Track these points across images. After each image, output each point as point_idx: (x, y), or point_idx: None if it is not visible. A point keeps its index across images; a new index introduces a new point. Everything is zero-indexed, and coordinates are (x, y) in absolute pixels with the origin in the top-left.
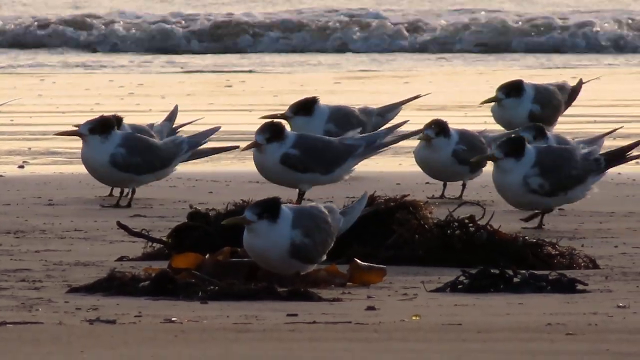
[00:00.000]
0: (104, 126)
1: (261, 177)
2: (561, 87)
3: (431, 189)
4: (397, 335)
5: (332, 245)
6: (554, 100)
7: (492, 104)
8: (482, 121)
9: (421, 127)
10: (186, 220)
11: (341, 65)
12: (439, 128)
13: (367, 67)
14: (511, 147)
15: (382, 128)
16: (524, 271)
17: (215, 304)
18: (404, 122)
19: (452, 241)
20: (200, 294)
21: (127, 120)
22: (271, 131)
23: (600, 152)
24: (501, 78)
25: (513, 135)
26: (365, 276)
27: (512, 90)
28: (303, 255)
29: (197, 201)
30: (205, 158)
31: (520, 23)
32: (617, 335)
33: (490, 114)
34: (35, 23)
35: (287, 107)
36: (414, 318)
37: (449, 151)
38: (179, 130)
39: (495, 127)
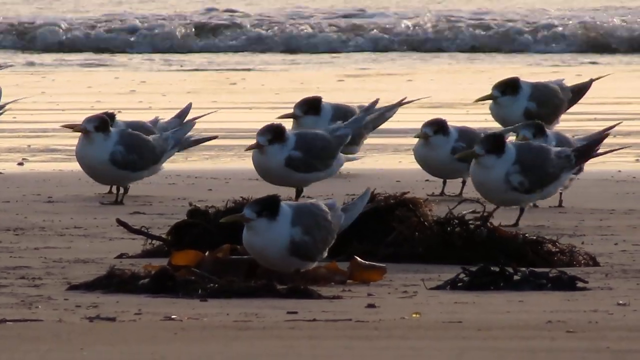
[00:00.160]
0: (105, 123)
1: None
2: (560, 85)
3: (431, 187)
4: (397, 333)
5: (332, 242)
6: (553, 99)
7: (490, 101)
8: (483, 119)
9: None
10: (186, 218)
11: (343, 63)
12: (436, 126)
13: (369, 66)
14: (492, 144)
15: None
16: (524, 269)
17: (215, 301)
18: (376, 101)
19: (452, 238)
20: (200, 291)
21: (129, 118)
22: (273, 133)
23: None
24: (505, 76)
25: (494, 132)
26: (366, 274)
27: (508, 87)
28: (303, 253)
29: (196, 198)
30: (205, 155)
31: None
32: (617, 333)
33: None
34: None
35: (290, 105)
36: (414, 316)
37: (448, 149)
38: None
39: (495, 125)
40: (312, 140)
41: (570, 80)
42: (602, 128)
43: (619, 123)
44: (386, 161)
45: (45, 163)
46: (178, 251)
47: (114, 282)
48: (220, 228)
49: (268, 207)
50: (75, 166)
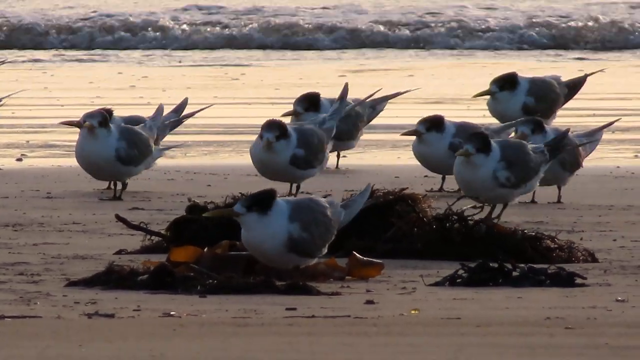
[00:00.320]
0: (107, 119)
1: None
2: (557, 80)
3: (430, 182)
4: (396, 329)
5: (332, 238)
6: (550, 93)
7: (488, 97)
8: (483, 114)
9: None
10: (184, 213)
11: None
12: (430, 123)
13: (371, 62)
14: (482, 143)
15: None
16: (522, 265)
17: (214, 297)
18: (345, 89)
19: (451, 235)
20: (198, 287)
21: (129, 113)
22: (280, 129)
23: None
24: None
25: (480, 130)
26: (364, 270)
27: (506, 83)
28: (301, 249)
29: (195, 194)
30: (204, 151)
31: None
32: (616, 329)
33: None
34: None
35: (290, 101)
36: (412, 312)
37: (444, 145)
38: (183, 121)
39: (493, 120)
40: (311, 137)
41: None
42: (601, 124)
43: (618, 119)
44: (385, 157)
45: (44, 159)
46: (177, 247)
47: (113, 278)
48: (220, 224)
49: (258, 202)
50: (74, 162)
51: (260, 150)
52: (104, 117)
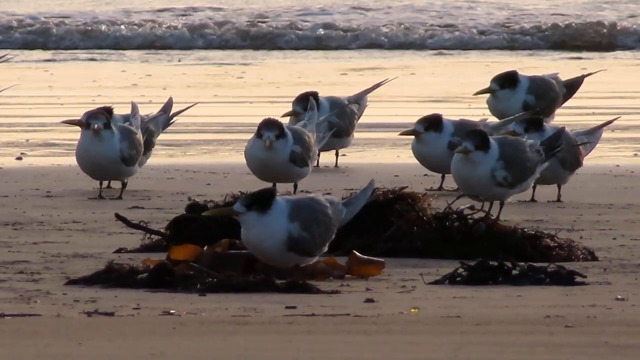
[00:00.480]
0: (109, 120)
1: None
2: (556, 79)
3: (429, 181)
4: (395, 328)
5: (332, 237)
6: (550, 92)
7: (488, 95)
8: (483, 112)
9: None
10: (184, 212)
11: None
12: (428, 123)
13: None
14: (481, 140)
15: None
16: (522, 263)
17: (214, 296)
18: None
19: (450, 233)
20: (198, 286)
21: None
22: (278, 128)
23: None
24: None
25: (479, 128)
26: (364, 268)
27: (506, 81)
28: (301, 248)
29: (195, 193)
30: (204, 149)
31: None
32: (615, 328)
33: None
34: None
35: (290, 100)
36: (412, 310)
37: (443, 144)
38: (173, 120)
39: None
40: (302, 134)
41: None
42: (600, 123)
43: (618, 117)
44: (384, 156)
45: (44, 157)
46: (177, 246)
47: (113, 276)
48: (219, 222)
49: (258, 201)
50: (74, 160)
51: (259, 150)
52: (107, 118)
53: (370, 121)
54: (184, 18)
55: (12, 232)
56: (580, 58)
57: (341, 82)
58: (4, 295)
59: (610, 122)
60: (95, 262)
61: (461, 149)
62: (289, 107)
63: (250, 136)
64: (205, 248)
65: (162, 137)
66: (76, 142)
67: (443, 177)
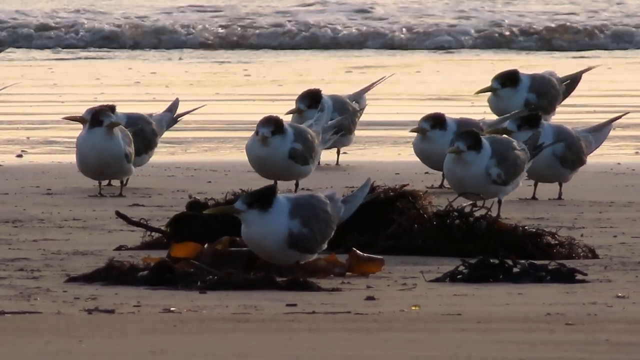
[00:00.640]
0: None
1: None
2: (554, 76)
3: (430, 179)
4: (396, 326)
5: (332, 234)
6: (551, 90)
7: (489, 94)
8: (484, 110)
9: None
10: (185, 210)
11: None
12: (433, 121)
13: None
14: (473, 140)
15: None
16: (523, 261)
17: (214, 293)
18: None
19: (451, 231)
20: (199, 283)
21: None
22: (275, 124)
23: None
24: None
25: (471, 128)
26: (365, 266)
27: (508, 80)
28: (302, 246)
29: (196, 190)
30: (205, 147)
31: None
32: (616, 326)
33: None
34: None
35: (292, 97)
36: (413, 308)
37: (446, 142)
38: (179, 119)
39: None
40: (305, 132)
41: None
42: (601, 121)
43: (626, 113)
44: (385, 153)
45: (44, 155)
46: (177, 243)
47: (113, 274)
48: (220, 220)
49: (259, 199)
50: (74, 158)
51: (257, 146)
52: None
53: (372, 119)
54: (186, 16)
55: (12, 229)
56: (583, 57)
57: (344, 81)
58: (4, 292)
59: (618, 117)
60: (96, 259)
61: (454, 149)
62: (291, 105)
63: (251, 134)
64: (205, 246)
65: (162, 134)
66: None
67: (444, 175)
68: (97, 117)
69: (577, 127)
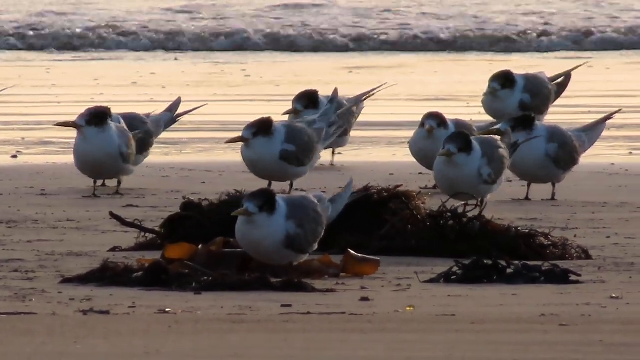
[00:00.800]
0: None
1: None
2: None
3: (424, 179)
4: (390, 326)
5: (322, 234)
6: (544, 90)
7: (482, 95)
8: (479, 111)
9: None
10: (179, 211)
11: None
12: (439, 120)
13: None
14: (463, 142)
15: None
16: (517, 262)
17: (209, 294)
18: (335, 92)
19: (445, 232)
20: (193, 284)
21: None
22: (257, 126)
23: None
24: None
25: (461, 130)
26: (359, 267)
27: (506, 80)
28: (297, 246)
29: (190, 191)
30: (199, 148)
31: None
32: (610, 326)
33: None
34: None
35: (289, 98)
36: (407, 309)
37: None
38: (178, 119)
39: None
40: (300, 133)
41: None
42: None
43: (619, 110)
44: (380, 154)
45: (39, 156)
46: (172, 244)
47: (108, 275)
48: (214, 221)
49: (268, 202)
50: (68, 159)
51: (244, 148)
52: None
53: (366, 119)
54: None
55: (6, 230)
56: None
57: (341, 81)
58: None
59: (610, 116)
60: (90, 260)
61: (445, 151)
62: (288, 106)
63: None
64: (200, 246)
65: (160, 134)
66: (71, 141)
67: None
68: (93, 117)
69: (570, 128)
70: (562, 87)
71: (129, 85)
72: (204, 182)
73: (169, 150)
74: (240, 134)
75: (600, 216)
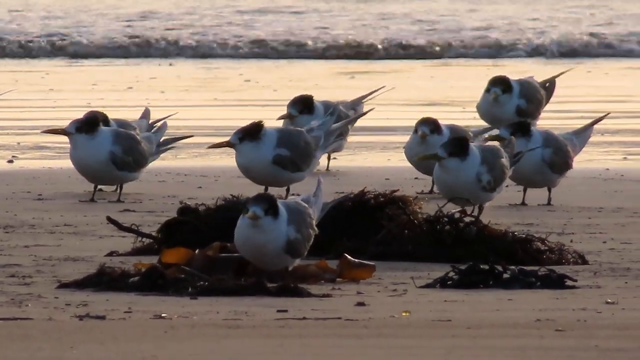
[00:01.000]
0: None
1: None
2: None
3: (420, 184)
4: (386, 331)
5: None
6: (537, 95)
7: (478, 99)
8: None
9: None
10: (176, 215)
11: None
12: (433, 125)
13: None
14: (455, 147)
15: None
16: (513, 267)
17: (205, 299)
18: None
19: (441, 237)
20: (190, 289)
21: (127, 116)
22: (244, 131)
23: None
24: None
25: (458, 136)
26: (355, 272)
27: (506, 86)
28: (295, 251)
29: (186, 196)
30: (195, 153)
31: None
32: (605, 331)
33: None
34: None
35: (285, 103)
36: (403, 314)
37: None
38: (155, 125)
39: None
40: (296, 137)
41: None
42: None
43: (607, 114)
44: (375, 159)
45: (35, 160)
46: (168, 249)
47: (104, 280)
48: (211, 226)
49: (272, 206)
50: (65, 164)
51: (236, 154)
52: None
53: (361, 124)
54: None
55: (3, 235)
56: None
57: (338, 86)
58: None
59: (599, 119)
60: (87, 265)
61: (431, 155)
62: (284, 111)
63: None
64: (196, 251)
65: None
66: (67, 146)
67: (434, 181)
68: (83, 124)
69: (561, 133)
70: (549, 92)
71: (125, 90)
72: (200, 187)
73: (164, 155)
74: (223, 139)
75: (596, 221)
